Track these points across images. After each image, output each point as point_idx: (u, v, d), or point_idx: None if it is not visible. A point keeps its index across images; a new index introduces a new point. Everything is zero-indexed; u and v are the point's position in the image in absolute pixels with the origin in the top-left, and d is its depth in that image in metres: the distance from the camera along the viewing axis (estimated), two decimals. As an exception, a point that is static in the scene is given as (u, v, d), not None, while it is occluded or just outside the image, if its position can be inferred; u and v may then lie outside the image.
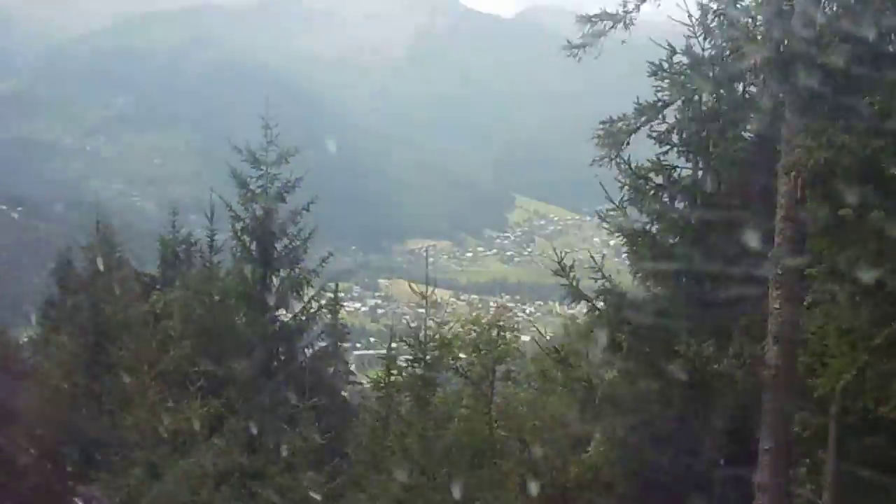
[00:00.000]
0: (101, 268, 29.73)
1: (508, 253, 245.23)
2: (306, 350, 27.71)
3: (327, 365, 28.86)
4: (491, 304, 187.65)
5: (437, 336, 22.27)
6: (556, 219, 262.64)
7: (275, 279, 26.79)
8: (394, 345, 24.52)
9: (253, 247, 26.64)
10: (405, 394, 22.64)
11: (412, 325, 24.81)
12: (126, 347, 24.70)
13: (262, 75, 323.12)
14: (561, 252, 18.83)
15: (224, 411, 21.87)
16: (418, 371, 21.74)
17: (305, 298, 26.99)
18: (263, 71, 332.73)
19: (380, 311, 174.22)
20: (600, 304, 19.06)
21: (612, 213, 18.16)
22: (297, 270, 26.99)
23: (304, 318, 27.10)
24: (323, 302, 27.88)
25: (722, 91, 18.72)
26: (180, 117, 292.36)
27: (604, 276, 17.99)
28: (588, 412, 18.46)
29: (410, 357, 22.77)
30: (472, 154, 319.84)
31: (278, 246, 26.77)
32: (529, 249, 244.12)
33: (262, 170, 26.77)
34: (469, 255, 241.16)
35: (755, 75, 17.12)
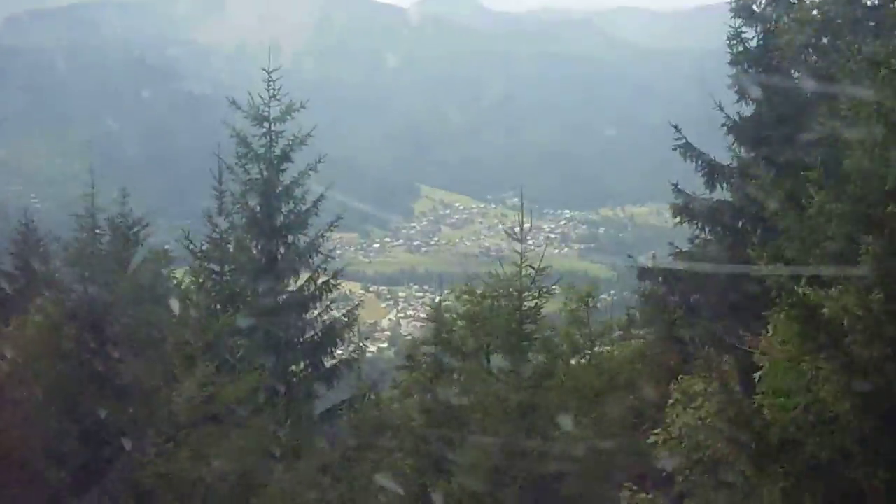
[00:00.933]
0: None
1: (416, 243, 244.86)
2: (319, 320, 25.41)
3: (341, 336, 26.68)
4: (399, 294, 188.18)
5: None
6: (461, 207, 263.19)
7: (282, 247, 25.30)
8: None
9: (257, 211, 24.95)
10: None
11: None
12: (149, 323, 23.28)
13: (158, 69, 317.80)
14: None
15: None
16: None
17: (314, 266, 25.52)
18: (159, 64, 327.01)
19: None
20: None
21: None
22: (303, 237, 25.49)
23: (312, 287, 25.28)
24: (325, 269, 25.84)
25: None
26: (75, 115, 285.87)
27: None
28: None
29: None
30: (375, 145, 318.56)
31: (284, 210, 25.15)
32: (436, 238, 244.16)
33: (264, 127, 25.41)
34: (376, 245, 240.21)
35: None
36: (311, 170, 25.10)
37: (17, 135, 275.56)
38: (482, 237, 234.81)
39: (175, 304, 23.62)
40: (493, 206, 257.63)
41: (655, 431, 15.55)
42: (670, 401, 15.64)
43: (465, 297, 22.36)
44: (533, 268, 20.03)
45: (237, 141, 24.95)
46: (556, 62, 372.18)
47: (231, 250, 25.19)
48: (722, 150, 23.16)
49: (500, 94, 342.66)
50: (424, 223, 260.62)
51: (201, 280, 24.74)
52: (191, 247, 24.99)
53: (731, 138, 22.67)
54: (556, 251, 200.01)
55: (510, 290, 20.52)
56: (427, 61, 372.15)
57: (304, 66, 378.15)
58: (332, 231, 25.87)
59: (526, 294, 19.59)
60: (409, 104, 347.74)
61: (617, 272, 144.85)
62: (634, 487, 15.62)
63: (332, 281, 25.80)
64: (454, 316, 22.44)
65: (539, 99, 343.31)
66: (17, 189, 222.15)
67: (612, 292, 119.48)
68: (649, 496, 15.60)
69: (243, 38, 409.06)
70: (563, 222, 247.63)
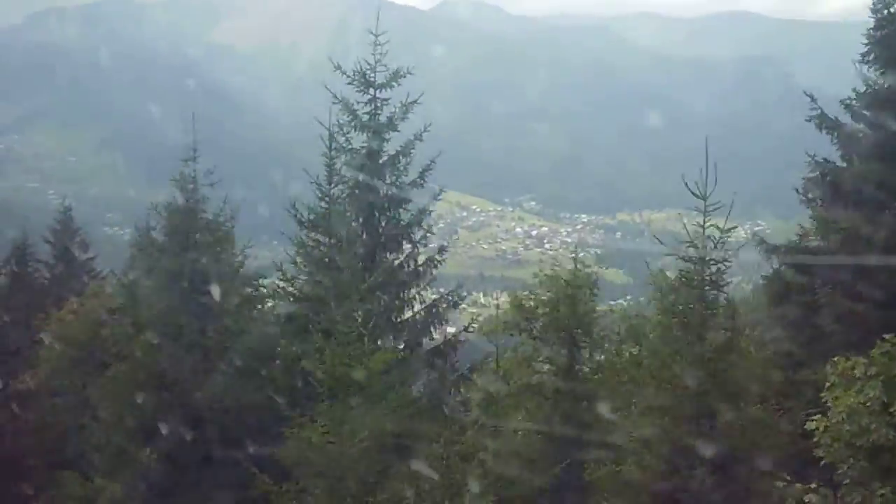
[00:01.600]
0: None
1: (431, 245, 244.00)
2: (419, 297, 23.91)
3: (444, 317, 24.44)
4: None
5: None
6: (478, 210, 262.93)
7: (383, 220, 23.99)
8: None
9: (359, 182, 23.48)
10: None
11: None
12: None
13: (176, 68, 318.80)
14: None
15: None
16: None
17: (416, 238, 24.17)
18: (177, 63, 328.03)
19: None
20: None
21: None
22: (405, 211, 24.01)
23: (412, 264, 23.99)
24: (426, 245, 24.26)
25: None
26: (94, 113, 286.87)
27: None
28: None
29: None
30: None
31: (387, 180, 23.81)
32: (453, 240, 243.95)
33: (370, 93, 23.91)
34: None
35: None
36: (417, 139, 23.66)
37: (35, 131, 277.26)
38: (499, 240, 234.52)
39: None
40: (511, 209, 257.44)
41: (814, 417, 14.72)
42: (826, 383, 14.75)
43: (548, 282, 21.45)
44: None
45: (341, 108, 23.50)
46: (572, 67, 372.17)
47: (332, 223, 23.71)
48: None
49: (517, 98, 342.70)
50: (441, 226, 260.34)
51: (308, 250, 23.46)
52: (298, 215, 23.71)
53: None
54: (572, 255, 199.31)
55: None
56: (445, 64, 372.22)
57: (323, 69, 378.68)
58: (434, 205, 24.78)
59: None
60: (425, 107, 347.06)
61: (633, 277, 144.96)
62: (788, 478, 15.13)
63: (436, 257, 24.69)
64: (534, 303, 21.68)
65: (555, 103, 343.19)
66: (35, 186, 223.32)
67: (628, 297, 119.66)
68: (811, 486, 15.10)
69: (261, 39, 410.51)
70: (579, 227, 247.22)
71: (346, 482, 16.43)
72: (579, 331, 19.96)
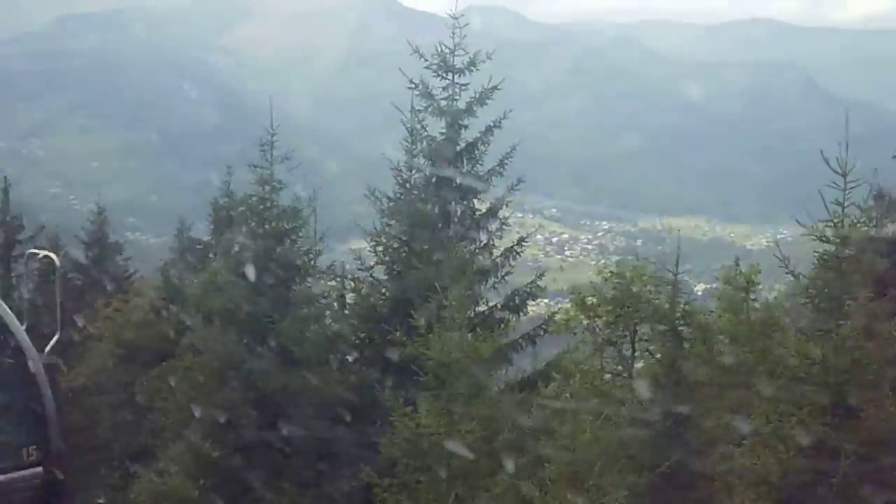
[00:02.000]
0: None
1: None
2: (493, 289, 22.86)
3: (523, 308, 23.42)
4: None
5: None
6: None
7: (458, 208, 23.21)
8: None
9: (435, 168, 22.82)
10: None
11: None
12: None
13: (197, 73, 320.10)
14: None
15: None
16: None
17: (492, 229, 23.28)
18: (198, 69, 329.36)
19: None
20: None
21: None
22: (480, 200, 23.31)
23: (488, 256, 23.10)
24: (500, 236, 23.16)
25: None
26: (114, 118, 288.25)
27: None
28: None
29: None
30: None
31: (464, 169, 23.01)
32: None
33: (447, 78, 23.21)
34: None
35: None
36: (495, 126, 22.88)
37: (56, 136, 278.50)
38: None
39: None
40: (531, 216, 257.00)
41: None
42: None
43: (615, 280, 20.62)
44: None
45: (420, 92, 22.75)
46: (592, 73, 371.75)
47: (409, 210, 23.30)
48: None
49: (535, 104, 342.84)
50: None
51: (385, 238, 23.14)
52: (379, 202, 23.18)
53: None
54: (594, 262, 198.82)
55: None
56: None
57: (341, 74, 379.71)
58: (511, 197, 23.65)
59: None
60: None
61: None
62: None
63: (516, 248, 23.57)
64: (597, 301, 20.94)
65: (574, 110, 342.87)
66: (56, 192, 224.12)
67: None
68: None
69: (280, 45, 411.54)
70: (600, 234, 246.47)
71: (452, 477, 15.96)
72: (682, 322, 18.98)
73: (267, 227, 22.38)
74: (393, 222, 23.17)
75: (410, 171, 23.19)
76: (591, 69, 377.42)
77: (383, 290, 22.95)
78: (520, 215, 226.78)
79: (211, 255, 30.70)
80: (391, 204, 23.10)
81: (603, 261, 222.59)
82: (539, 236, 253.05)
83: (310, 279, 22.81)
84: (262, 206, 22.46)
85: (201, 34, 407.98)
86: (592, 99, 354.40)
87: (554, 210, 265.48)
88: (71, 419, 28.66)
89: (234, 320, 21.53)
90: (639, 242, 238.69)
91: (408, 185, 23.20)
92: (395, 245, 22.97)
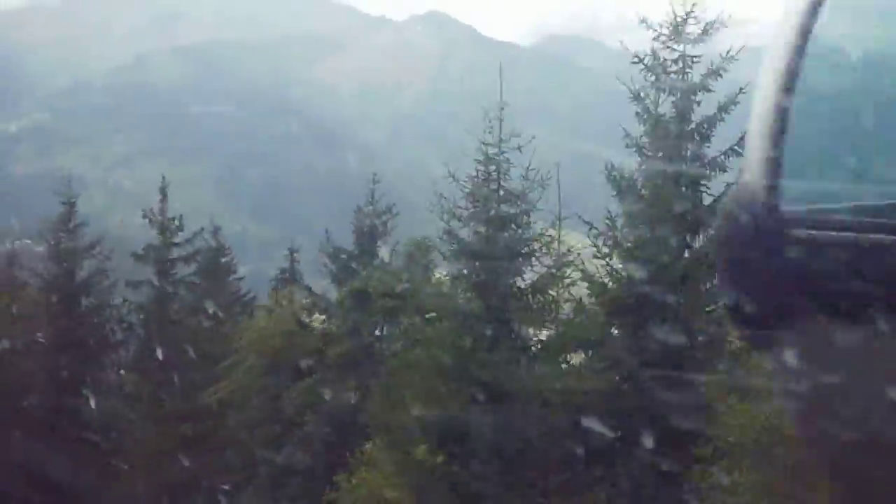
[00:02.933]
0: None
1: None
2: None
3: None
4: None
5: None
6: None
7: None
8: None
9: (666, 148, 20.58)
10: None
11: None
12: None
13: (280, 106, 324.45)
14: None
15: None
16: None
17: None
18: (280, 102, 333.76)
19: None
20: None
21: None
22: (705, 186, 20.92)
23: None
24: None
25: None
26: (198, 150, 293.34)
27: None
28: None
29: None
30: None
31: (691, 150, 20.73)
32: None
33: (678, 49, 20.73)
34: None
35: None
36: (732, 103, 20.20)
37: (144, 167, 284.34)
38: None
39: None
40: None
41: None
42: None
43: None
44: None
45: (650, 63, 20.69)
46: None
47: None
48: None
49: (602, 131, 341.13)
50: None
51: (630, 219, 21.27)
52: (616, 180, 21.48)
53: None
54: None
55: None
56: (547, 99, 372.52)
57: (427, 106, 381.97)
58: None
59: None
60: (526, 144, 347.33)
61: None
62: None
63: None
64: None
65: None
66: (143, 221, 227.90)
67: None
68: None
69: (365, 78, 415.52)
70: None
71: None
72: None
73: (491, 210, 20.91)
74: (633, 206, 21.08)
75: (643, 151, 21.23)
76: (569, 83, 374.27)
77: (627, 280, 20.55)
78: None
79: (353, 265, 30.74)
80: (625, 182, 21.11)
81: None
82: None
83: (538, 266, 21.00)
84: (486, 189, 20.95)
85: (288, 68, 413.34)
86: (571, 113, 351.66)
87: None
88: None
89: (462, 316, 20.21)
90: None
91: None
92: (636, 233, 20.81)
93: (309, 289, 33.88)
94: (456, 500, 18.89)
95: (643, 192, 21.00)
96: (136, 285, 36.97)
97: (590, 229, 20.90)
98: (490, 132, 21.33)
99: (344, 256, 31.57)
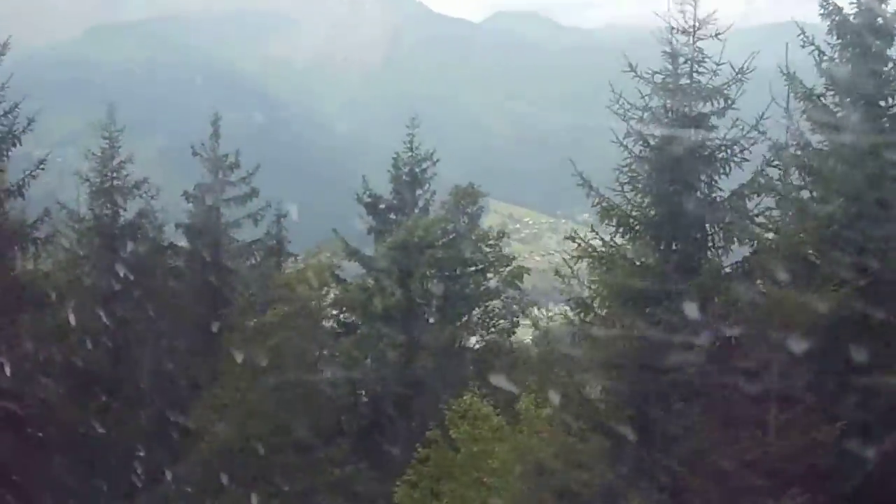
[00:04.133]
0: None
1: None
2: None
3: None
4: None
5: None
6: (530, 222, 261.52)
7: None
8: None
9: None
10: None
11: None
12: None
13: (233, 81, 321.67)
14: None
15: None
16: None
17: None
18: (234, 77, 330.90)
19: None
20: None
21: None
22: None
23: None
24: None
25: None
26: (151, 126, 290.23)
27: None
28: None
29: None
30: (445, 159, 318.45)
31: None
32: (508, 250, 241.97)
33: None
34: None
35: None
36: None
37: (90, 143, 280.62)
38: (552, 252, 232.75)
39: None
40: (563, 220, 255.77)
41: None
42: None
43: None
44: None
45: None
46: (624, 80, 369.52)
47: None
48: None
49: (569, 110, 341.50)
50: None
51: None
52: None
53: None
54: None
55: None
56: (497, 76, 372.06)
57: (377, 81, 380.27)
58: None
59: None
60: (478, 119, 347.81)
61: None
62: None
63: None
64: None
65: (608, 114, 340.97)
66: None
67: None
68: None
69: (316, 52, 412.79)
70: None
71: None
72: None
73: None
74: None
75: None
76: (623, 73, 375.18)
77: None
78: (552, 220, 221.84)
79: (393, 216, 29.26)
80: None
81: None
82: (571, 242, 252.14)
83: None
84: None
85: (237, 43, 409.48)
86: (522, 90, 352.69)
87: (586, 215, 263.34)
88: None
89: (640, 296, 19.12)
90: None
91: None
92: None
93: (345, 241, 33.09)
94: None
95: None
96: (187, 228, 36.36)
97: None
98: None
99: (383, 207, 30.19)
